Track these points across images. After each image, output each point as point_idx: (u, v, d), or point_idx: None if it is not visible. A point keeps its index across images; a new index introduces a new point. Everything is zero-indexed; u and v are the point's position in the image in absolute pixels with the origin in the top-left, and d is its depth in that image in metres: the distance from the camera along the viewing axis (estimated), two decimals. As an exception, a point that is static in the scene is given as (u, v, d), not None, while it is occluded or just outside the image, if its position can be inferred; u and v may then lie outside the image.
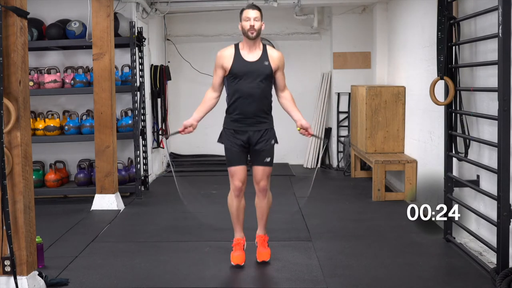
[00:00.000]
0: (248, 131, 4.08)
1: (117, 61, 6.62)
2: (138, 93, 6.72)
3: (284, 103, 4.22)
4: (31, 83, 6.51)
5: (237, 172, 4.13)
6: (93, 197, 6.20)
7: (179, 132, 4.17)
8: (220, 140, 4.21)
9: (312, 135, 4.18)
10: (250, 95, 4.03)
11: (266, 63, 4.07)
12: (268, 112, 4.15)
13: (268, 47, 4.16)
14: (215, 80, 4.17)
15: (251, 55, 4.07)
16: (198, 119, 4.17)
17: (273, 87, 4.20)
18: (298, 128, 4.13)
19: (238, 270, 4.15)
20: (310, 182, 4.81)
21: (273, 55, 4.12)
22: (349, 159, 8.22)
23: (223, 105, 4.25)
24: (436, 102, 4.80)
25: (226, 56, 4.08)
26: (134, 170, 6.74)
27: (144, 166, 7.09)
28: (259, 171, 4.15)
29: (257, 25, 4.01)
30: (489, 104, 4.23)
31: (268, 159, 4.14)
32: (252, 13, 4.01)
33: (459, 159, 4.70)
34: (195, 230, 5.25)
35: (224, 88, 4.20)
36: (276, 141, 4.19)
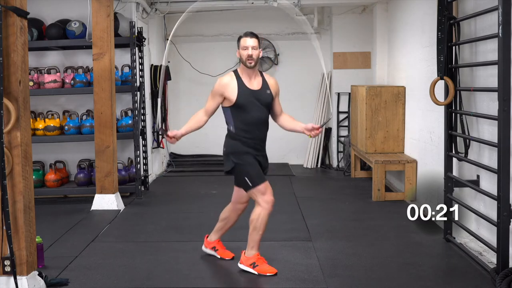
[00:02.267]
0: (259, 156, 4.10)
1: (117, 61, 6.62)
2: (138, 93, 6.72)
3: (284, 121, 4.22)
4: (31, 83, 6.50)
5: (269, 187, 4.05)
6: (93, 197, 6.20)
7: (166, 135, 4.15)
8: (234, 161, 4.05)
9: (321, 126, 4.17)
10: (259, 123, 4.06)
11: (268, 91, 4.11)
12: (266, 138, 4.20)
13: (264, 74, 4.20)
14: (210, 106, 4.12)
15: (254, 83, 4.09)
16: (183, 134, 4.16)
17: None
18: (309, 136, 4.11)
19: (238, 270, 4.15)
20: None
21: (271, 82, 4.18)
22: (349, 159, 8.22)
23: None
24: (436, 102, 4.80)
25: (229, 86, 4.04)
26: (134, 170, 6.74)
27: (144, 166, 7.09)
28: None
29: (255, 54, 4.02)
30: (489, 104, 4.23)
31: None
32: (250, 42, 4.02)
33: (459, 159, 4.70)
34: (195, 230, 5.25)
35: (225, 116, 4.14)
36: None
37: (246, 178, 4.02)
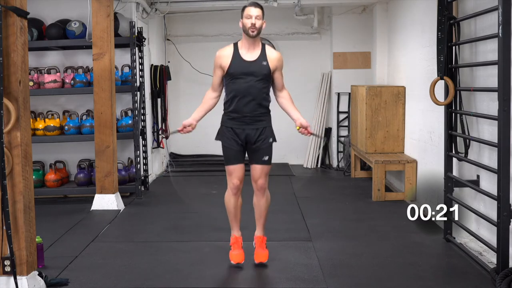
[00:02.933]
0: (246, 129, 4.08)
1: (117, 61, 6.62)
2: (138, 93, 6.72)
3: (283, 103, 4.23)
4: (31, 83, 6.50)
5: (235, 171, 4.13)
6: (93, 197, 6.20)
7: (178, 131, 4.19)
8: (218, 137, 4.19)
9: (311, 133, 4.19)
10: (248, 94, 4.03)
11: (264, 63, 4.06)
12: (266, 111, 4.14)
13: (267, 47, 4.15)
14: (214, 80, 4.17)
15: (250, 54, 4.07)
16: (198, 119, 4.18)
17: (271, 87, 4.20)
18: (298, 127, 4.12)
19: (238, 270, 4.15)
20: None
21: (272, 55, 4.11)
22: (349, 159, 8.22)
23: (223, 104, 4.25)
24: (436, 102, 4.80)
25: (225, 56, 4.08)
26: (134, 170, 6.74)
27: (144, 166, 7.09)
28: (257, 169, 4.14)
29: (258, 23, 4.00)
30: (489, 104, 4.23)
31: (266, 158, 4.13)
32: (254, 11, 4.00)
33: (459, 159, 4.70)
34: (195, 230, 5.25)
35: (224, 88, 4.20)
36: (274, 139, 4.18)
37: (223, 155, 4.18)
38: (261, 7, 4.05)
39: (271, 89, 4.20)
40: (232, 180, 4.15)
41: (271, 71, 4.09)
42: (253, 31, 3.99)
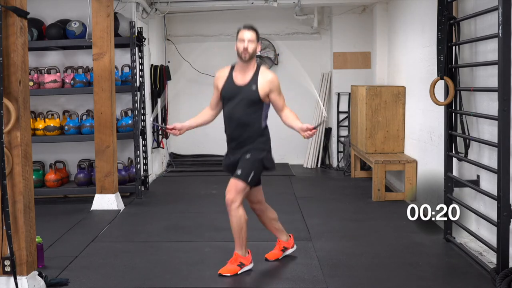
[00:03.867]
0: (235, 153, 4.04)
1: (117, 61, 6.62)
2: (138, 93, 6.72)
3: (286, 117, 4.07)
4: (31, 83, 6.50)
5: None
6: (93, 197, 6.20)
7: (165, 127, 4.20)
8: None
9: (315, 127, 3.90)
10: (234, 119, 4.00)
11: (254, 87, 3.96)
12: (254, 135, 4.00)
13: (262, 69, 4.04)
14: (212, 99, 4.18)
15: (242, 77, 4.01)
16: (188, 127, 4.18)
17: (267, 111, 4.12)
18: (303, 136, 3.94)
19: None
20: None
21: (263, 79, 3.98)
22: (349, 159, 8.22)
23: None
24: (436, 102, 4.80)
25: (221, 77, 4.09)
26: (134, 170, 6.74)
27: (144, 166, 7.09)
28: (230, 182, 4.00)
29: (251, 47, 3.93)
30: (489, 104, 4.23)
31: (239, 172, 3.94)
32: (247, 35, 3.94)
33: (459, 159, 4.70)
34: (195, 230, 5.25)
35: None
36: (257, 157, 3.98)
37: None
38: (255, 30, 3.99)
39: (268, 113, 4.09)
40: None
41: (260, 96, 3.97)
42: (245, 56, 3.95)
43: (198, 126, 4.24)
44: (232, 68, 4.10)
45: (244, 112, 3.98)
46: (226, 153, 4.16)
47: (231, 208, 3.95)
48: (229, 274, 4.00)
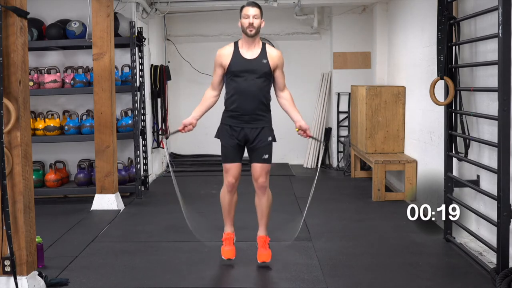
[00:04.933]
0: (245, 128, 4.09)
1: (117, 61, 6.62)
2: (138, 93, 6.72)
3: (283, 103, 4.22)
4: (31, 83, 6.50)
5: (231, 169, 4.16)
6: (93, 197, 6.20)
7: (179, 130, 4.20)
8: (217, 135, 4.23)
9: (310, 136, 4.18)
10: (247, 93, 4.04)
11: (265, 61, 4.06)
12: (266, 110, 4.14)
13: (267, 46, 4.16)
14: (214, 79, 4.19)
15: (250, 52, 4.08)
16: (197, 118, 4.19)
17: (272, 86, 4.21)
18: (297, 129, 4.14)
19: (238, 270, 4.15)
20: (312, 185, 4.53)
21: (272, 53, 4.12)
22: (349, 159, 8.22)
23: (223, 103, 4.25)
24: (436, 102, 4.80)
25: (225, 55, 4.09)
26: (134, 170, 6.74)
27: (144, 166, 7.09)
28: (257, 168, 4.15)
29: (256, 22, 4.01)
30: (489, 104, 4.23)
31: (266, 156, 4.14)
32: (251, 11, 4.01)
33: (459, 159, 4.70)
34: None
35: (224, 86, 4.21)
36: (274, 139, 4.18)
37: (221, 152, 4.22)
38: (259, 6, 4.06)
39: (272, 89, 4.20)
40: (227, 178, 4.20)
41: (271, 69, 4.10)
42: (251, 30, 4.01)
43: (205, 113, 4.24)
44: (236, 45, 4.12)
45: (257, 85, 4.06)
46: (232, 129, 4.10)
47: (266, 191, 4.19)
48: (269, 260, 4.18)
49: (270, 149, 4.16)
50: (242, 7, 4.07)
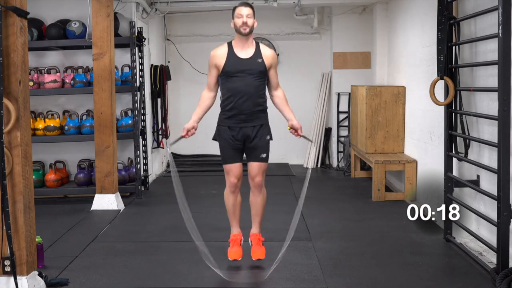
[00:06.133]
0: (243, 127, 4.10)
1: (117, 61, 6.62)
2: (138, 93, 6.72)
3: (277, 102, 4.24)
4: (31, 83, 6.50)
5: (233, 169, 4.18)
6: (93, 197, 6.20)
7: (182, 137, 4.19)
8: (215, 137, 4.25)
9: (302, 136, 4.19)
10: (244, 92, 4.04)
11: (260, 60, 4.08)
12: (262, 108, 4.15)
13: (261, 45, 4.18)
14: (210, 80, 4.19)
15: (244, 52, 4.09)
16: (198, 120, 4.19)
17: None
18: (289, 128, 4.17)
19: (238, 270, 4.15)
20: (304, 185, 4.32)
21: (267, 53, 4.13)
22: (349, 159, 8.22)
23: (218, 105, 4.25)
24: (436, 102, 4.80)
25: (219, 55, 4.10)
26: (134, 170, 6.74)
27: (144, 166, 7.09)
28: (255, 167, 4.16)
29: (249, 21, 4.02)
30: (489, 104, 4.23)
31: (264, 155, 4.15)
32: (244, 10, 4.03)
33: (459, 159, 4.70)
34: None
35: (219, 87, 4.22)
36: (271, 137, 4.20)
37: (220, 154, 4.24)
38: (251, 7, 4.08)
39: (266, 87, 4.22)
40: (229, 178, 4.21)
41: (266, 68, 4.11)
42: (245, 29, 4.02)
43: (204, 114, 4.24)
44: (230, 45, 4.12)
45: (253, 84, 4.06)
46: (231, 129, 4.11)
47: (261, 190, 4.22)
48: (264, 257, 4.18)
49: (267, 148, 4.18)
50: (234, 8, 4.09)
